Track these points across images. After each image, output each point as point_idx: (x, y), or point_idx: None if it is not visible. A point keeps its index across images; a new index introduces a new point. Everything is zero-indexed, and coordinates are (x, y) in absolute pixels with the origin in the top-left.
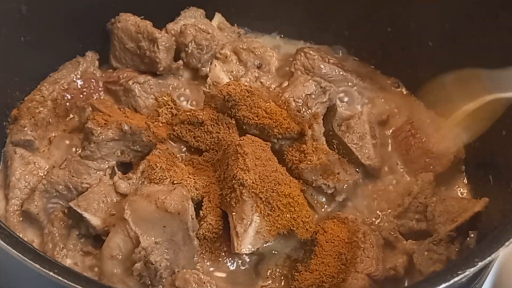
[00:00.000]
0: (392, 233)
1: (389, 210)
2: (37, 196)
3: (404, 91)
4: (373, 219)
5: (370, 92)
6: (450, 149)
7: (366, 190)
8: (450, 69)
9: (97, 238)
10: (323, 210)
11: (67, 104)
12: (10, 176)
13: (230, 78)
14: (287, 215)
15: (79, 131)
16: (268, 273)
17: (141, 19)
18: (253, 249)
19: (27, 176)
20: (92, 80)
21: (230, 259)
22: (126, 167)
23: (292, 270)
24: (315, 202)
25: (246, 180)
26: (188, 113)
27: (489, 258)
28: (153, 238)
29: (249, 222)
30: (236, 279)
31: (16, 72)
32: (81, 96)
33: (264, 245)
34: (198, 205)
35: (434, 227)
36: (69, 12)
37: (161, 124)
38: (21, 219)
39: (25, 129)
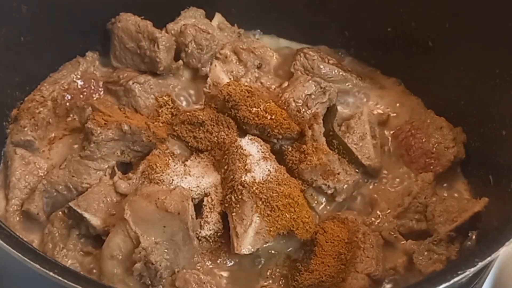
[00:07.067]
0: (392, 233)
1: (389, 210)
2: (37, 196)
3: (404, 91)
4: (373, 219)
5: (370, 92)
6: (450, 149)
7: (366, 190)
8: (450, 69)
9: (97, 238)
10: (323, 210)
11: (67, 104)
12: (10, 176)
13: (230, 78)
14: (287, 216)
15: (79, 131)
16: (268, 273)
17: (142, 19)
18: (253, 250)
19: (27, 176)
20: (92, 80)
21: (230, 259)
22: (126, 167)
23: (292, 270)
24: (315, 202)
25: (246, 180)
26: (188, 113)
27: (489, 258)
28: (153, 238)
29: (249, 223)
30: (236, 279)
31: (16, 72)
32: (81, 96)
33: (264, 245)
34: (198, 205)
35: (434, 227)
36: (69, 12)
37: (161, 124)
38: (21, 219)
39: (25, 129)
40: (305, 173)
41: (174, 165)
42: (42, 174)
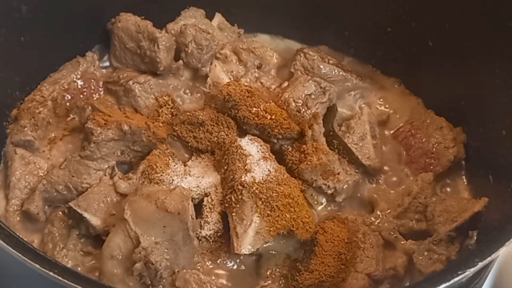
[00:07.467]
0: (392, 233)
1: (389, 210)
2: (37, 196)
3: (404, 91)
4: (373, 219)
5: (370, 92)
6: (450, 149)
7: (366, 190)
8: (450, 69)
9: (97, 238)
10: (323, 210)
11: (67, 104)
12: (10, 176)
13: (230, 78)
14: (287, 216)
15: (79, 131)
16: (268, 273)
17: (142, 19)
18: (253, 250)
19: (27, 176)
20: (92, 80)
21: (230, 259)
22: (126, 167)
23: (292, 270)
24: (315, 202)
25: (246, 180)
26: (188, 113)
27: (489, 258)
28: (153, 238)
29: (249, 223)
30: (236, 279)
31: (16, 72)
32: (81, 96)
33: (264, 245)
34: (198, 205)
35: (434, 227)
36: (69, 12)
37: (161, 124)
38: (21, 219)
39: (25, 129)
40: (305, 173)
41: (174, 165)
42: (42, 174)
